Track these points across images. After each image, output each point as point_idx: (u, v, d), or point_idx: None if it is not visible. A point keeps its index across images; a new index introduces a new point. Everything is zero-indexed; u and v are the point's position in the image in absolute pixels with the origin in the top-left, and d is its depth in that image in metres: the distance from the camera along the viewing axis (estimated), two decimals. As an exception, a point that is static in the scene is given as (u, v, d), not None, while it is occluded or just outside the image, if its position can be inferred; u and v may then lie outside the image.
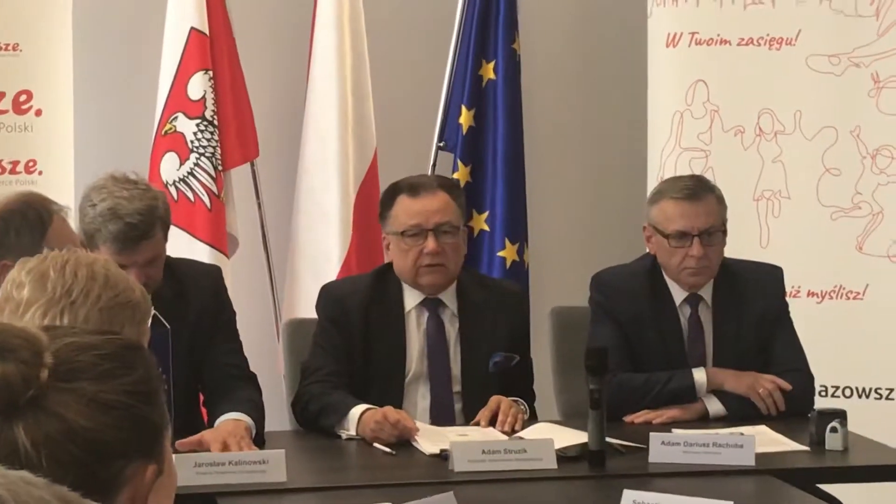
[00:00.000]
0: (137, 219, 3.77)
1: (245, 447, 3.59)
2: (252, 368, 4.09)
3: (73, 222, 3.73)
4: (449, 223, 4.05)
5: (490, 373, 4.06)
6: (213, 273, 4.12)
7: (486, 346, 4.07)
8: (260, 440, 3.80)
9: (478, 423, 3.90)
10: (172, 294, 3.87)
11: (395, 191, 4.13)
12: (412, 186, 4.10)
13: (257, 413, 3.82)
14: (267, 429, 4.10)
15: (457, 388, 4.07)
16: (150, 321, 2.36)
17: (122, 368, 1.46)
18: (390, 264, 4.13)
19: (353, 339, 4.03)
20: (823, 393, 4.93)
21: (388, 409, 3.78)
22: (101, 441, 1.41)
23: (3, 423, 1.39)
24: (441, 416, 4.02)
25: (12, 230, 3.09)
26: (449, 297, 4.10)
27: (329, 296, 4.13)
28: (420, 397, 4.04)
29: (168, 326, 3.10)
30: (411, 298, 4.09)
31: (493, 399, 3.94)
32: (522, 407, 4.00)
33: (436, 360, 4.06)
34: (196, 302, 3.93)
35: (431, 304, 4.09)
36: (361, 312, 4.04)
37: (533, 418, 4.07)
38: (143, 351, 1.53)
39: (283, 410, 4.30)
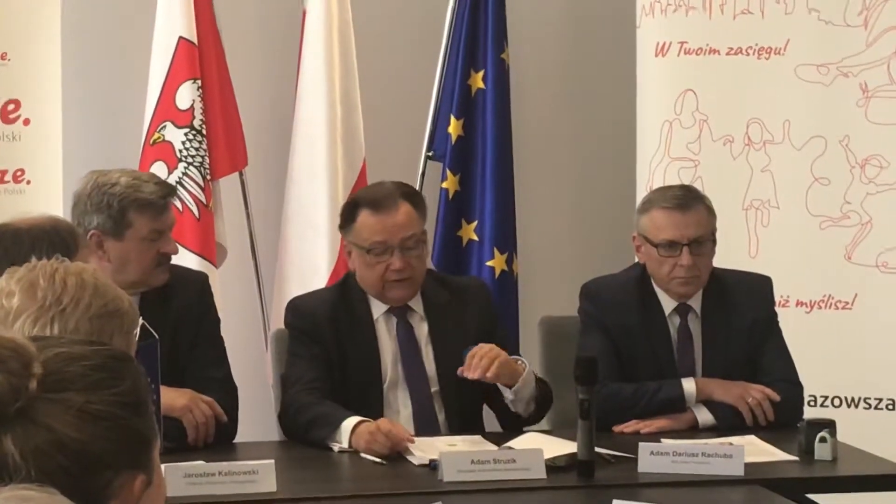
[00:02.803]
0: (159, 180, 4.08)
1: (206, 407, 3.80)
2: (240, 378, 4.10)
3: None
4: (414, 236, 4.04)
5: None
6: (200, 279, 4.15)
7: (458, 342, 4.05)
8: (227, 435, 3.89)
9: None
10: (157, 297, 3.90)
11: (355, 205, 4.11)
12: (374, 202, 4.06)
13: (227, 406, 3.90)
14: (256, 438, 4.11)
15: (434, 388, 4.06)
16: (138, 330, 2.35)
17: (110, 379, 1.46)
18: (351, 274, 4.12)
19: (327, 350, 4.02)
20: (812, 403, 4.93)
21: (383, 421, 3.77)
22: (89, 452, 1.41)
23: None
24: (425, 421, 4.01)
25: (35, 251, 3.07)
26: (414, 301, 4.11)
27: (297, 310, 4.13)
28: (402, 405, 4.04)
29: (157, 336, 3.08)
30: (378, 307, 4.09)
31: (475, 347, 3.90)
32: (522, 363, 3.95)
33: (410, 364, 4.06)
34: (179, 305, 3.95)
35: (399, 311, 4.10)
36: (330, 324, 4.04)
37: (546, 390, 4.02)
38: (132, 362, 1.53)
39: (271, 420, 4.28)
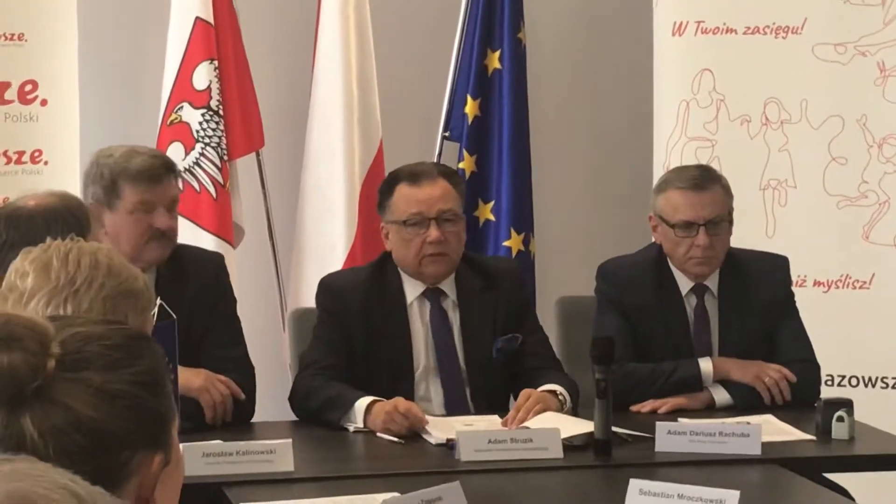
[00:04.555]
0: (158, 153, 4.05)
1: (224, 385, 3.82)
2: (257, 358, 4.10)
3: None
4: (451, 211, 4.03)
5: (495, 359, 4.05)
6: (216, 259, 4.14)
7: (489, 332, 4.05)
8: (245, 414, 3.91)
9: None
10: (173, 277, 3.90)
11: (394, 179, 4.10)
12: (412, 174, 4.06)
13: (244, 386, 3.91)
14: (273, 418, 4.11)
15: (465, 376, 4.05)
16: (154, 310, 2.35)
17: (128, 358, 1.46)
18: (388, 254, 4.10)
19: (353, 333, 4.00)
20: (830, 382, 4.93)
21: (399, 400, 3.77)
22: (107, 431, 1.42)
23: (10, 413, 1.39)
24: (455, 408, 4.00)
25: (51, 232, 3.08)
26: (448, 286, 4.08)
27: (328, 289, 4.10)
28: (433, 393, 4.02)
29: (174, 316, 3.09)
30: (412, 290, 4.06)
31: (522, 394, 3.86)
32: (561, 397, 3.89)
33: (443, 353, 4.04)
34: (195, 284, 3.95)
35: (433, 295, 4.07)
36: (362, 306, 4.01)
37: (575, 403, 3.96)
38: (150, 341, 1.53)
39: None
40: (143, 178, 3.86)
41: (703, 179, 4.14)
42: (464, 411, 3.99)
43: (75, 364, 1.43)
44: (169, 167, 3.96)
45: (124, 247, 3.80)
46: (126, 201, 3.86)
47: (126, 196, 3.86)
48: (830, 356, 4.53)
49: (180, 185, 4.86)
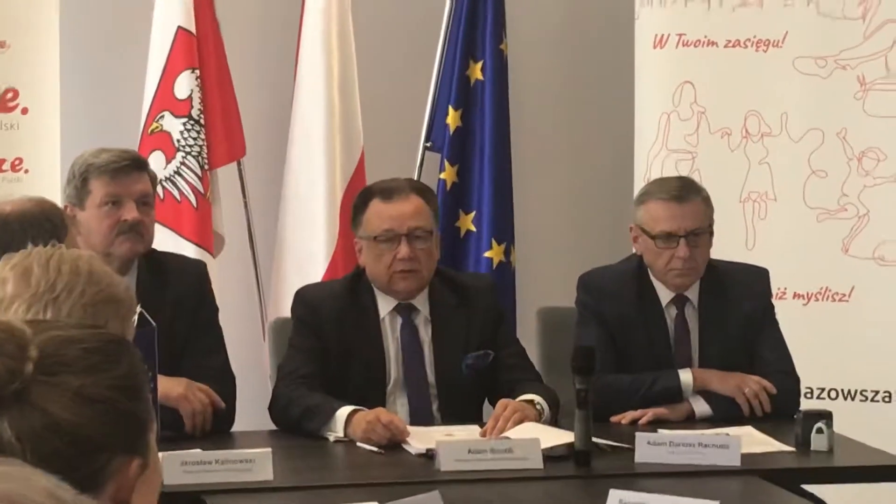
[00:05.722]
0: (128, 150, 4.05)
1: (203, 394, 3.80)
2: (237, 367, 4.10)
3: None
4: (422, 228, 4.03)
5: (465, 375, 4.05)
6: (198, 266, 4.14)
7: (460, 349, 4.06)
8: (225, 423, 3.90)
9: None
10: (154, 284, 3.89)
11: (367, 195, 4.11)
12: (385, 190, 4.07)
13: (224, 395, 3.90)
14: (253, 428, 4.11)
15: (433, 391, 4.06)
16: (135, 317, 2.35)
17: (106, 363, 1.46)
18: (362, 270, 4.11)
19: (327, 345, 4.02)
20: (809, 395, 4.94)
21: (380, 411, 3.78)
22: (84, 435, 1.41)
23: None
24: (420, 423, 3.98)
25: (29, 238, 3.07)
26: (421, 302, 4.09)
27: (303, 300, 4.11)
28: (399, 406, 4.03)
29: (154, 324, 3.08)
30: (385, 305, 4.08)
31: (500, 404, 3.87)
32: (539, 407, 3.90)
33: (411, 368, 4.05)
34: (176, 292, 3.95)
35: (404, 311, 4.08)
36: (336, 320, 4.03)
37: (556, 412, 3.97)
38: (129, 345, 1.52)
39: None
40: (109, 170, 3.89)
41: (684, 191, 4.15)
42: (427, 424, 3.98)
43: (53, 368, 1.42)
44: (137, 162, 3.98)
45: (95, 242, 3.81)
46: (95, 196, 3.89)
47: (94, 190, 3.89)
48: (809, 369, 4.53)
49: (160, 192, 4.90)
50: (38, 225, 3.12)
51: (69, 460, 1.39)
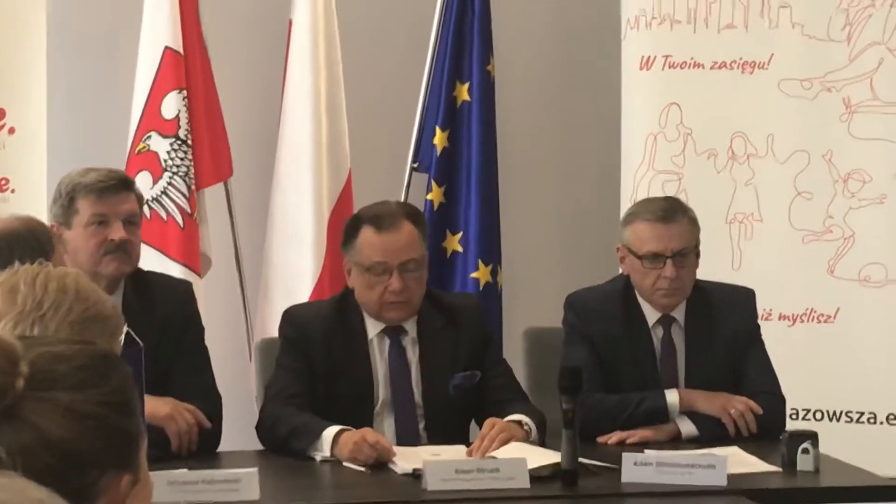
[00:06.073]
0: (114, 170, 4.06)
1: (190, 413, 3.80)
2: (223, 388, 4.09)
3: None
4: (414, 260, 4.03)
5: (452, 395, 4.05)
6: (184, 286, 4.15)
7: (447, 369, 4.06)
8: (211, 443, 3.89)
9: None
10: (141, 304, 3.89)
11: (358, 221, 4.10)
12: (376, 218, 4.05)
13: (211, 415, 3.90)
14: (239, 447, 4.10)
15: (420, 412, 4.06)
16: (122, 335, 2.35)
17: (97, 378, 1.46)
18: (350, 290, 4.11)
19: (315, 365, 4.01)
20: (794, 416, 4.95)
21: (367, 431, 3.77)
22: (75, 451, 1.41)
23: None
24: (407, 443, 3.98)
25: (16, 257, 3.07)
26: (409, 323, 4.10)
27: (291, 320, 4.11)
28: (386, 426, 4.02)
29: (142, 344, 3.08)
30: (373, 326, 4.08)
31: (487, 423, 3.88)
32: (526, 427, 3.91)
33: (399, 389, 4.05)
34: (162, 312, 3.95)
35: (392, 332, 4.08)
36: (324, 340, 4.03)
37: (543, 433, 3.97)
38: (119, 362, 1.53)
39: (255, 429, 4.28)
40: (96, 190, 3.89)
41: (671, 211, 4.17)
42: (414, 443, 3.98)
43: (44, 383, 1.42)
44: (124, 182, 3.99)
45: (82, 261, 3.82)
46: (82, 215, 3.89)
47: (81, 210, 3.90)
48: (795, 390, 4.54)
49: (147, 212, 4.89)
50: (25, 243, 3.13)
51: (60, 475, 1.39)
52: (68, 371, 1.45)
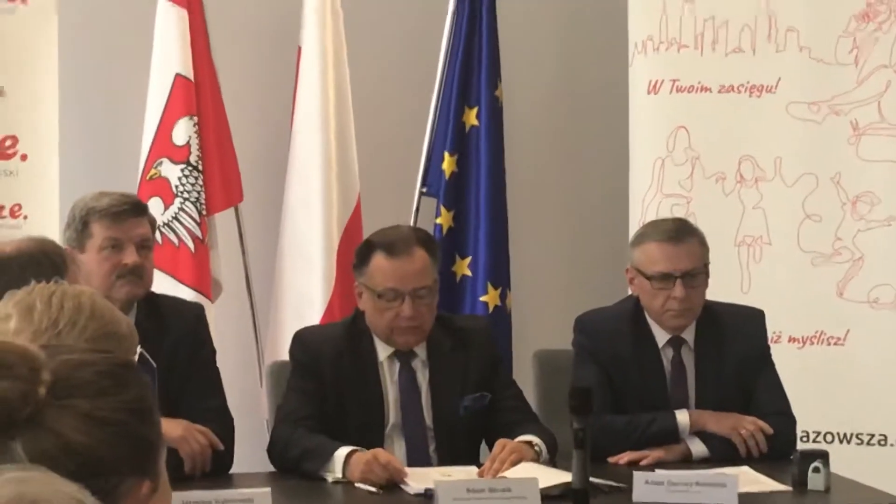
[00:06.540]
0: (128, 194, 4.10)
1: (202, 435, 3.81)
2: (235, 411, 4.10)
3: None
4: (426, 287, 4.04)
5: (461, 417, 4.06)
6: (195, 310, 4.16)
7: (457, 392, 4.07)
8: (223, 465, 3.90)
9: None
10: (153, 327, 3.91)
11: (370, 247, 4.09)
12: (389, 245, 4.05)
13: (223, 436, 3.91)
14: (251, 470, 4.11)
15: (431, 434, 4.07)
16: (137, 355, 2.36)
17: (117, 386, 1.48)
18: (361, 312, 4.11)
19: (325, 387, 4.02)
20: (805, 438, 4.94)
21: (379, 451, 3.78)
22: (96, 457, 1.43)
23: (1, 438, 1.40)
24: (417, 464, 3.98)
25: (29, 277, 3.09)
26: (419, 346, 4.11)
27: (302, 342, 4.12)
28: (396, 448, 4.03)
29: (154, 365, 3.10)
30: (383, 349, 4.08)
31: (497, 444, 3.90)
32: (537, 448, 3.92)
33: (409, 411, 4.06)
34: (174, 335, 3.97)
35: (402, 355, 4.09)
36: (334, 363, 4.03)
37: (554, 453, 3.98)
38: (139, 370, 1.55)
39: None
40: (110, 214, 3.93)
41: (680, 232, 4.18)
42: (424, 465, 3.99)
43: (66, 391, 1.44)
44: (137, 206, 4.03)
45: (94, 284, 3.82)
46: (95, 239, 3.92)
47: (95, 234, 3.93)
48: (805, 412, 4.54)
49: (158, 237, 4.91)
50: (38, 264, 3.14)
51: (82, 481, 1.40)
52: (89, 379, 1.46)
